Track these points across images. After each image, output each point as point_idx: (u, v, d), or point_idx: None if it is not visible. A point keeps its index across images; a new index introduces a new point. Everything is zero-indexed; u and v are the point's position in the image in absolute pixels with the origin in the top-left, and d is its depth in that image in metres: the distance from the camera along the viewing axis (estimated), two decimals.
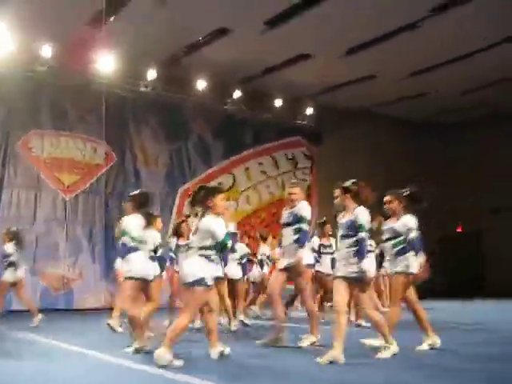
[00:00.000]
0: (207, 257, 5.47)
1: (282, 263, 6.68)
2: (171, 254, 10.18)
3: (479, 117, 18.65)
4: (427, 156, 19.99)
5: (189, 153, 16.03)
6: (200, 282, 5.38)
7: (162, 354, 5.28)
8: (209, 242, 5.49)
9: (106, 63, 13.41)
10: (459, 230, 19.91)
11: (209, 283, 5.43)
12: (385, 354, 5.63)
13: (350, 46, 14.27)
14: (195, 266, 5.45)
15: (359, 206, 5.71)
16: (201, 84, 15.14)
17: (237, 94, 15.93)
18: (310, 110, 17.52)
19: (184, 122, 15.95)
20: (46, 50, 12.92)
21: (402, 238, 6.28)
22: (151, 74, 14.44)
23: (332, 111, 17.73)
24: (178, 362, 5.33)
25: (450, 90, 17.03)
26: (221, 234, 5.47)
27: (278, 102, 16.75)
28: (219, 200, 5.68)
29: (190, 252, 5.60)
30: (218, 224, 5.54)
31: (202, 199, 5.64)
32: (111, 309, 13.61)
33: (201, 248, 5.49)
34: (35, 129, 13.59)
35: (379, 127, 19.07)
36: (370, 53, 14.30)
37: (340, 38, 13.70)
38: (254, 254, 11.54)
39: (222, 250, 5.56)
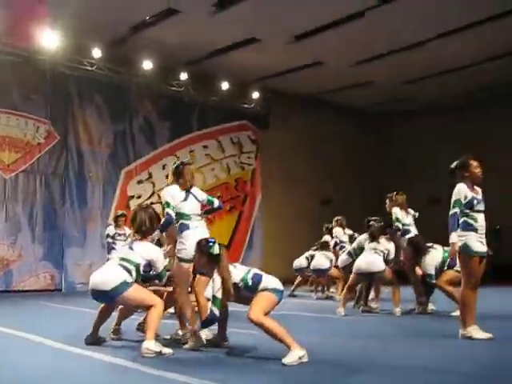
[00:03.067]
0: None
1: None
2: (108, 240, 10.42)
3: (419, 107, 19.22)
4: (371, 145, 20.37)
5: (133, 134, 15.79)
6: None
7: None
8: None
9: (50, 40, 13.07)
10: None
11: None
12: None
13: (298, 32, 14.30)
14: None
15: None
16: (147, 64, 14.91)
17: (184, 75, 15.79)
18: (256, 95, 17.53)
19: (129, 103, 15.68)
20: None
21: None
22: (97, 53, 14.12)
23: (279, 96, 17.82)
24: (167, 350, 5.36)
25: (392, 80, 17.37)
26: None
27: (225, 85, 16.68)
28: None
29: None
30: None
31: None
32: (51, 290, 13.58)
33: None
34: None
35: (325, 114, 19.27)
36: (318, 40, 14.38)
37: (289, 23, 13.70)
38: None
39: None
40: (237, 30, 14.11)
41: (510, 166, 17.41)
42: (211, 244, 5.34)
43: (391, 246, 9.06)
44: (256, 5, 12.63)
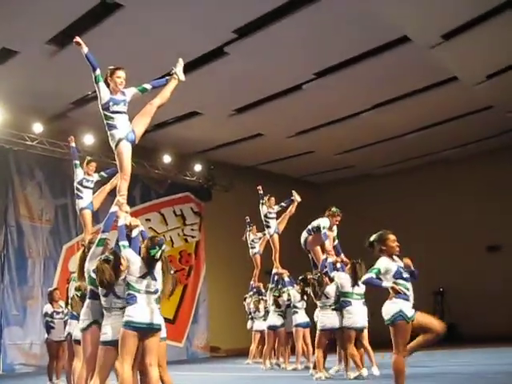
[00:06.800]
0: None
1: None
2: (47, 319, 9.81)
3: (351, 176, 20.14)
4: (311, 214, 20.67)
5: (75, 208, 15.53)
6: None
7: None
8: None
9: None
10: None
11: None
12: None
13: (238, 106, 14.65)
14: None
15: None
16: (88, 139, 14.88)
17: None
18: (198, 167, 17.69)
19: (71, 177, 15.49)
20: None
21: None
22: (37, 128, 14.06)
23: (221, 168, 18.03)
24: None
25: (328, 151, 17.95)
26: None
27: (167, 158, 16.80)
28: None
29: None
30: None
31: None
32: None
33: None
34: None
35: (267, 184, 19.49)
36: (258, 112, 14.74)
37: (229, 97, 14.05)
38: None
39: None
40: (178, 103, 14.31)
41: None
42: (157, 246, 5.35)
43: None
44: (197, 80, 12.90)
